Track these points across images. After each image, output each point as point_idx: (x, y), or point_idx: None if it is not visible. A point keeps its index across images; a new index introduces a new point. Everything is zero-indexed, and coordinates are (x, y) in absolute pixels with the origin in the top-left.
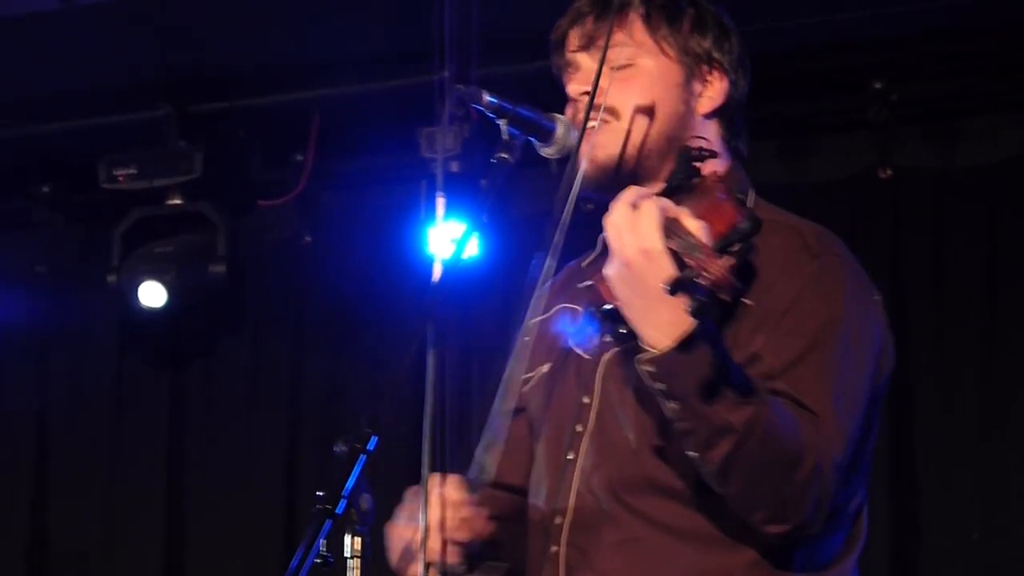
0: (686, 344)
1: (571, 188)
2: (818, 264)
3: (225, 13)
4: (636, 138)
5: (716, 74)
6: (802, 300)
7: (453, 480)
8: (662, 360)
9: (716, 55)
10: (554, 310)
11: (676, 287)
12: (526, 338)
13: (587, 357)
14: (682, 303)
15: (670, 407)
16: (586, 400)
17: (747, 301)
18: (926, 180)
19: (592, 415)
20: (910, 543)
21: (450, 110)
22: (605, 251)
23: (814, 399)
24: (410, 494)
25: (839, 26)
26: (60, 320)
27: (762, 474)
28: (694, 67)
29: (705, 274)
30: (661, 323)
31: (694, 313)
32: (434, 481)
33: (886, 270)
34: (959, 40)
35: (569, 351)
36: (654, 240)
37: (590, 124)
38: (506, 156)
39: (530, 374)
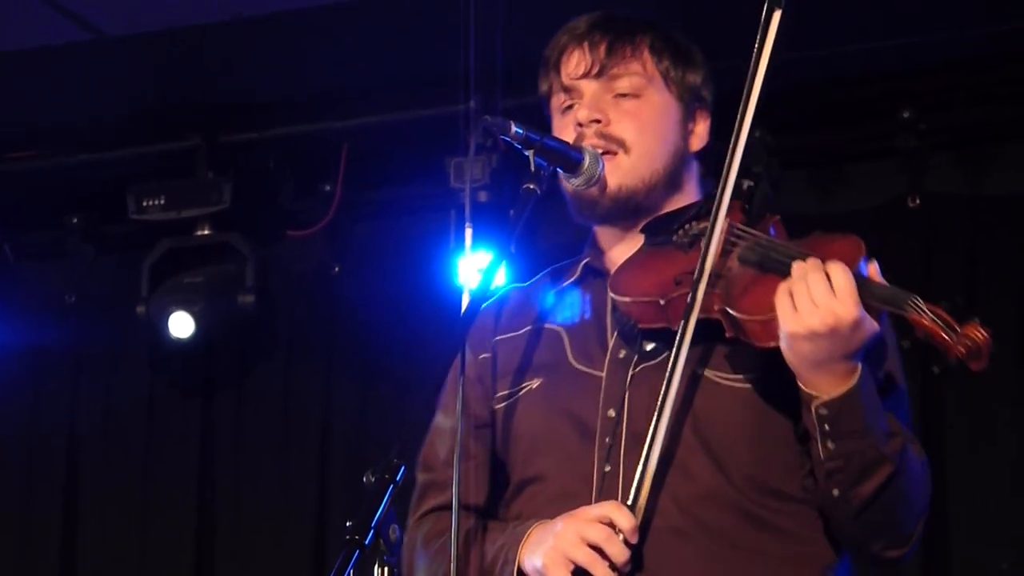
0: (856, 391)
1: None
2: None
3: (254, 44)
4: (645, 172)
5: (704, 113)
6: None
7: (618, 506)
8: (837, 404)
9: (704, 93)
10: (527, 329)
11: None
12: (484, 355)
13: (597, 373)
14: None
15: (827, 447)
16: (612, 414)
17: None
18: (956, 208)
19: (624, 429)
20: (940, 573)
21: (478, 140)
22: (585, 276)
23: (912, 434)
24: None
25: (867, 56)
26: (90, 350)
27: (903, 504)
28: (691, 104)
29: (963, 341)
30: (838, 372)
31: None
32: (602, 509)
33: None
34: (986, 69)
35: (563, 368)
36: (859, 304)
37: (602, 153)
38: (534, 187)
39: (504, 391)
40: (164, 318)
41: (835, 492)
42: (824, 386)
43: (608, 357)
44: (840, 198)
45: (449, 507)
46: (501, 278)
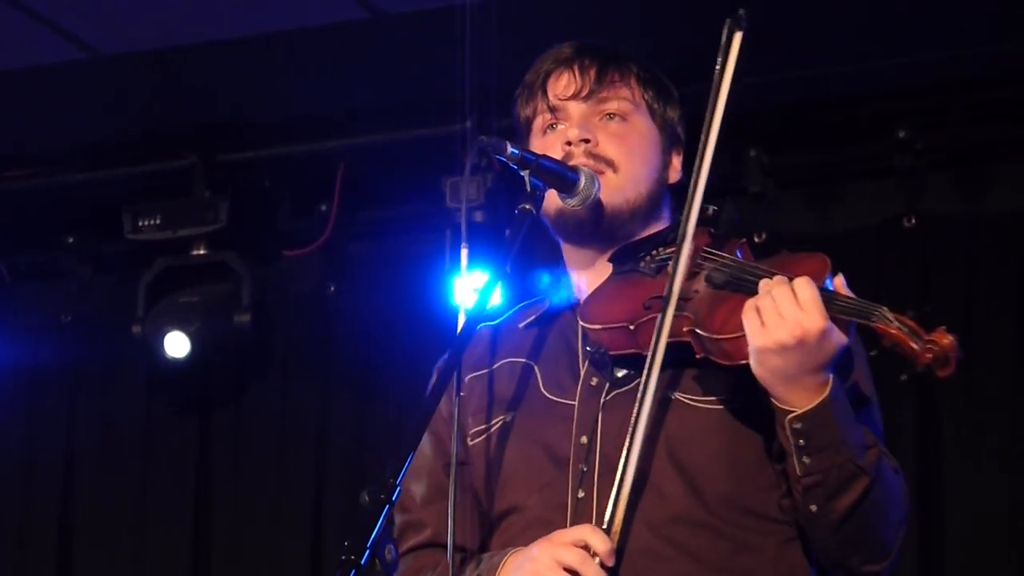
0: (829, 403)
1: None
2: None
3: (250, 64)
4: (630, 193)
5: (679, 148)
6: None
7: (593, 529)
8: (808, 418)
9: (679, 131)
10: (499, 364)
11: (882, 353)
12: (462, 394)
13: (569, 403)
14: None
15: (803, 462)
16: (584, 440)
17: None
18: (953, 227)
19: (596, 455)
20: None
21: (473, 160)
22: (554, 309)
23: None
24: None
25: (864, 76)
26: (86, 370)
27: (880, 515)
28: (670, 138)
29: (930, 348)
30: (810, 386)
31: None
32: (577, 532)
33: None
34: (983, 88)
35: (535, 400)
36: (825, 316)
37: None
38: (529, 207)
39: (479, 427)
40: (160, 337)
41: (813, 508)
42: (797, 400)
43: (580, 385)
44: (837, 217)
45: (426, 546)
46: (497, 298)
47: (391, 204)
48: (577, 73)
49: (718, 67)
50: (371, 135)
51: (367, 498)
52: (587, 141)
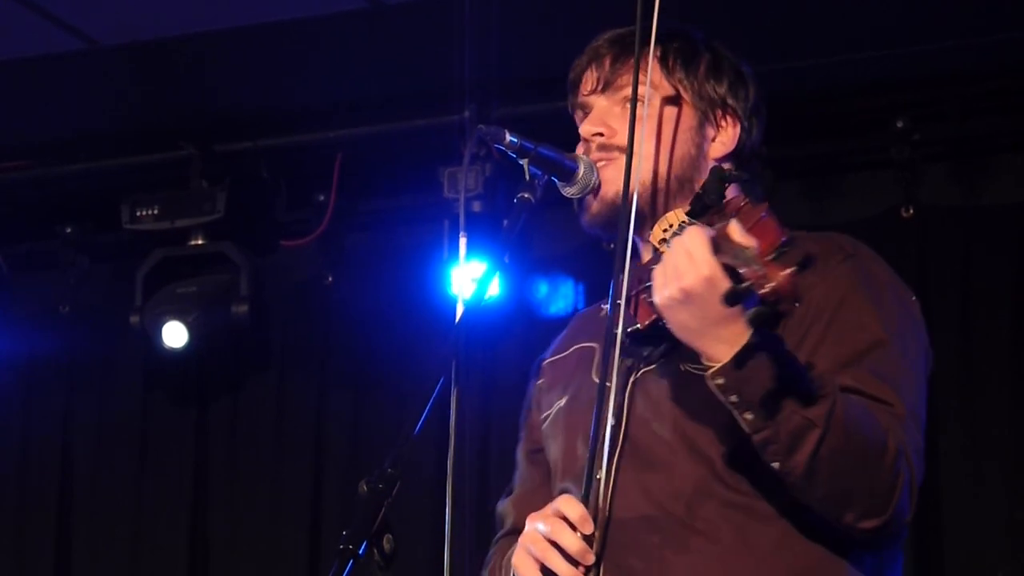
0: (750, 351)
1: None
2: (856, 263)
3: (248, 54)
4: (645, 177)
5: (729, 119)
6: (850, 298)
7: (567, 498)
8: (729, 370)
9: (731, 101)
10: (572, 350)
11: (732, 298)
12: (539, 381)
13: (608, 384)
14: (740, 314)
15: (746, 418)
16: (613, 422)
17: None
18: (950, 218)
19: (621, 436)
20: None
21: (472, 150)
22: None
23: (883, 391)
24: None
25: (861, 66)
26: (84, 360)
27: (850, 467)
28: (708, 111)
29: (767, 284)
30: (723, 337)
31: (751, 321)
32: (555, 503)
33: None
34: (980, 79)
35: (586, 382)
36: (709, 263)
37: (600, 163)
38: (528, 196)
39: (547, 412)
40: (158, 328)
41: (776, 465)
42: (716, 354)
43: (617, 366)
44: (834, 209)
45: (508, 534)
46: (495, 288)
47: (389, 194)
48: (595, 68)
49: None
50: (369, 125)
51: (365, 488)
52: (600, 134)
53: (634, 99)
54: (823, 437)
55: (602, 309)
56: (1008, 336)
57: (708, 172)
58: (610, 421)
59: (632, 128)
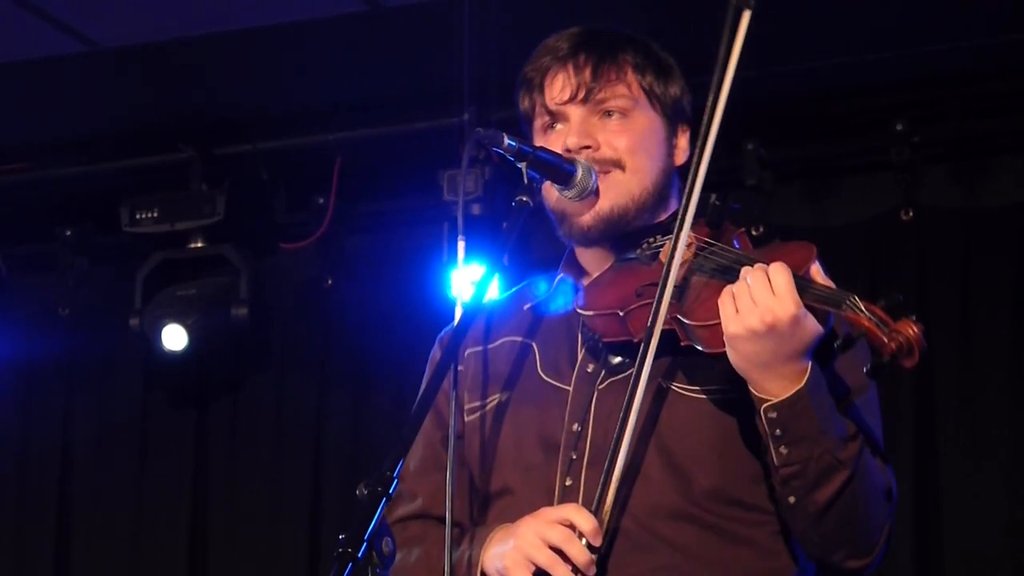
0: (806, 392)
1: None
2: None
3: (247, 57)
4: (636, 189)
5: (685, 126)
6: None
7: (579, 508)
8: (784, 407)
9: (684, 107)
10: (498, 342)
11: (844, 346)
12: (460, 367)
13: (564, 388)
14: (806, 354)
15: (781, 452)
16: (576, 428)
17: None
18: (950, 220)
19: (587, 443)
20: None
21: (471, 153)
22: (560, 290)
23: (874, 440)
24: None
25: (861, 68)
26: (83, 363)
27: (862, 510)
28: (674, 119)
29: (898, 339)
30: (785, 374)
31: (870, 374)
32: (563, 511)
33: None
34: (980, 81)
35: (531, 381)
36: (798, 302)
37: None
38: (526, 199)
39: (475, 403)
40: (157, 330)
41: (791, 499)
42: (773, 389)
43: (576, 371)
44: (834, 211)
45: (416, 516)
46: (494, 290)
47: (389, 197)
48: (572, 74)
49: (723, 49)
50: (369, 128)
51: (364, 491)
52: (588, 147)
53: (694, 178)
54: (850, 478)
55: (526, 303)
56: (1008, 337)
57: (672, 182)
58: (574, 427)
59: (686, 206)
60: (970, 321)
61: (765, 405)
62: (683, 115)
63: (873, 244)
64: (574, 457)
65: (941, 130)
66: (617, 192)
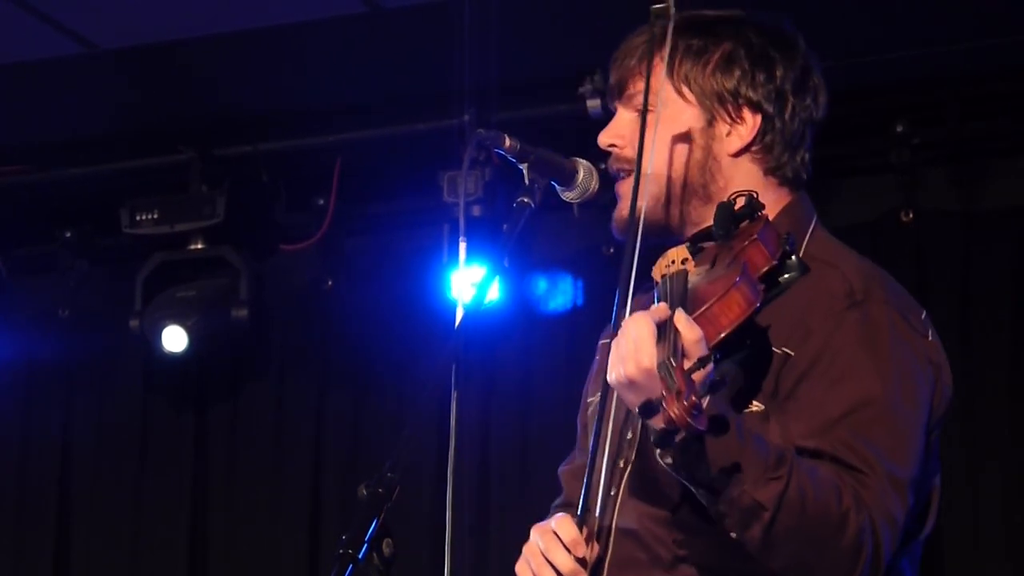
0: (698, 436)
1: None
2: (860, 313)
3: (247, 58)
4: (654, 188)
5: (746, 111)
6: (843, 353)
7: (562, 518)
8: (677, 453)
9: (745, 91)
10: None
11: (645, 413)
12: (597, 359)
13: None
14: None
15: (699, 493)
16: (629, 436)
17: (787, 351)
18: (950, 222)
19: (634, 452)
20: None
21: (471, 154)
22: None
23: (859, 457)
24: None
25: (861, 70)
26: (83, 364)
27: (805, 544)
28: (717, 109)
29: (670, 409)
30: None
31: (656, 444)
32: (552, 522)
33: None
34: (980, 83)
35: (610, 389)
36: (650, 355)
37: (620, 175)
38: (527, 200)
39: (591, 399)
40: (157, 332)
41: (733, 535)
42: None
43: None
44: (833, 213)
45: (564, 506)
46: (495, 292)
47: (389, 198)
48: (614, 71)
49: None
50: (369, 129)
51: (365, 492)
52: (614, 146)
53: (644, 114)
54: (773, 520)
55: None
56: (1008, 338)
57: (725, 171)
58: (628, 435)
59: (639, 164)
60: (970, 323)
61: (659, 452)
62: (740, 101)
63: (872, 246)
64: (621, 465)
65: (941, 132)
66: (631, 192)
